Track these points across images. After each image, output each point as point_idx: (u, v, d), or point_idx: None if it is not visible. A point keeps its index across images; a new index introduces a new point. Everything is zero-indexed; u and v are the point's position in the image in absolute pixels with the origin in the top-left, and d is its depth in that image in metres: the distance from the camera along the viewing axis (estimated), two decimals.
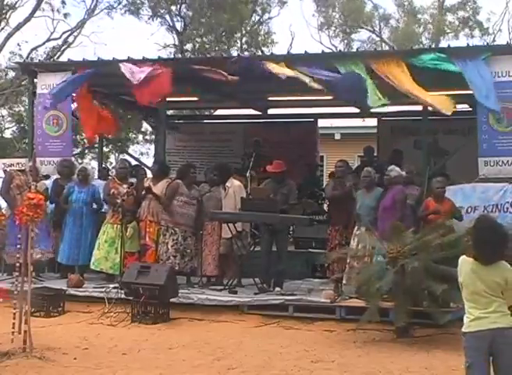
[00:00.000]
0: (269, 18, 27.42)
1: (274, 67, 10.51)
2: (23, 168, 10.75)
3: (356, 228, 9.78)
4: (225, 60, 11.37)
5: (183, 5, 25.40)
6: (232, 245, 10.38)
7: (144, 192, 10.67)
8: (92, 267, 10.73)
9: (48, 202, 10.86)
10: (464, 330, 5.10)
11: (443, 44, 28.49)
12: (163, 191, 10.58)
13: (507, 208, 9.96)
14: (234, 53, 25.10)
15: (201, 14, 24.98)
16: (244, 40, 26.43)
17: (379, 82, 10.18)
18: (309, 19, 32.74)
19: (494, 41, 27.72)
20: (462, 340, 5.14)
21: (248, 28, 26.16)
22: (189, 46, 25.97)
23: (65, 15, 25.14)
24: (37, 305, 9.35)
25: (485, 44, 21.50)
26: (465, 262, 5.14)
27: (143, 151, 26.00)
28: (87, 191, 10.98)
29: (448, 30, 30.33)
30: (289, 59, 11.22)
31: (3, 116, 25.69)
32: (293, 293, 9.82)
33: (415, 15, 30.75)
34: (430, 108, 10.38)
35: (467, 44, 11.10)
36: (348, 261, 9.67)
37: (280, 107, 16.01)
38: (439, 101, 10.00)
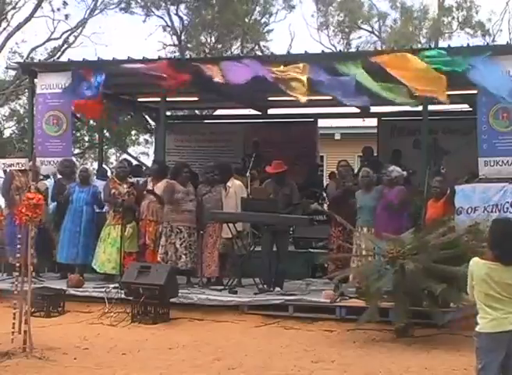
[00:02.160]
0: (270, 17, 27.39)
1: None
2: (23, 168, 10.74)
3: (358, 228, 9.78)
4: (223, 59, 11.37)
5: (181, 5, 25.37)
6: (233, 245, 10.38)
7: (145, 192, 10.69)
8: (96, 269, 10.73)
9: (49, 201, 10.93)
10: (478, 330, 5.06)
11: (442, 44, 28.57)
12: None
13: (507, 208, 9.96)
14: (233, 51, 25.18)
15: (199, 13, 24.98)
16: (242, 37, 26.37)
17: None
18: (309, 20, 32.61)
19: (494, 40, 27.70)
20: (475, 340, 5.11)
21: (247, 28, 26.11)
22: (188, 45, 25.97)
23: (66, 16, 25.17)
24: (37, 305, 9.36)
25: (486, 43, 21.53)
26: (478, 265, 5.08)
27: (144, 151, 25.98)
28: (87, 191, 10.99)
29: (446, 30, 30.32)
30: (289, 59, 11.24)
31: (5, 116, 25.70)
32: (293, 293, 9.82)
33: (412, 15, 30.74)
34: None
35: (468, 44, 11.09)
36: (352, 261, 9.68)
37: (280, 107, 16.01)
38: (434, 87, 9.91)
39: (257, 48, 26.24)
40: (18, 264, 8.01)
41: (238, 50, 25.30)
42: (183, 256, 10.28)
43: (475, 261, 5.10)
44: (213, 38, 26.09)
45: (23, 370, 7.00)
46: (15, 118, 25.18)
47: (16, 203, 10.14)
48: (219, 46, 25.72)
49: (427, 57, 10.17)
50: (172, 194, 10.40)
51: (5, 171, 11.06)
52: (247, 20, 25.78)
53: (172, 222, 10.38)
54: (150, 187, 10.83)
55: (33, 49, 24.86)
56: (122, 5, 25.00)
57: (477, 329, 5.09)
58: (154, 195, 10.60)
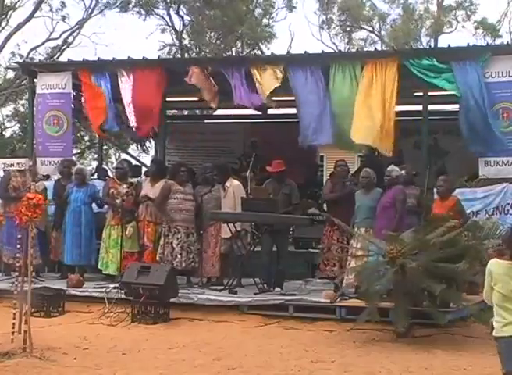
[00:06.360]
0: (272, 18, 27.37)
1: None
2: (22, 168, 10.74)
3: (355, 228, 9.77)
4: (224, 60, 11.42)
5: (182, 5, 25.36)
6: (232, 245, 10.38)
7: (140, 198, 10.72)
8: (101, 268, 10.76)
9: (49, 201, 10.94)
10: (495, 334, 5.07)
11: (442, 41, 28.61)
12: None
13: (508, 210, 9.96)
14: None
15: (199, 12, 24.98)
16: (243, 37, 26.35)
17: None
18: (310, 18, 32.53)
19: (495, 40, 27.71)
20: (496, 345, 5.14)
21: (247, 28, 26.09)
22: (188, 45, 25.98)
23: (63, 17, 25.21)
24: (37, 305, 9.35)
25: (486, 43, 21.53)
26: (497, 264, 5.06)
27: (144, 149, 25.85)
28: (85, 191, 11.01)
29: (446, 29, 30.35)
30: (288, 60, 11.27)
31: (7, 116, 25.71)
32: (293, 293, 9.82)
33: (411, 12, 30.74)
34: None
35: (468, 44, 11.10)
36: (348, 261, 9.68)
37: (280, 107, 15.97)
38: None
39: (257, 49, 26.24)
40: (18, 264, 8.02)
41: (239, 49, 25.32)
42: (179, 256, 10.27)
43: (493, 261, 5.09)
44: (213, 39, 26.05)
45: (23, 370, 6.99)
46: (16, 118, 25.19)
47: (12, 203, 10.17)
48: (221, 46, 25.69)
49: (417, 66, 10.30)
50: (166, 198, 10.37)
51: (4, 171, 11.09)
52: (248, 21, 25.71)
53: (169, 222, 10.37)
54: (148, 187, 10.82)
55: (33, 49, 24.89)
56: (122, 5, 24.97)
57: (493, 333, 5.07)
58: (150, 200, 10.61)
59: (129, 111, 11.50)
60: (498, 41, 26.45)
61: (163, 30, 25.92)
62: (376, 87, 10.44)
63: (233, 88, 11.10)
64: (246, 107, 13.42)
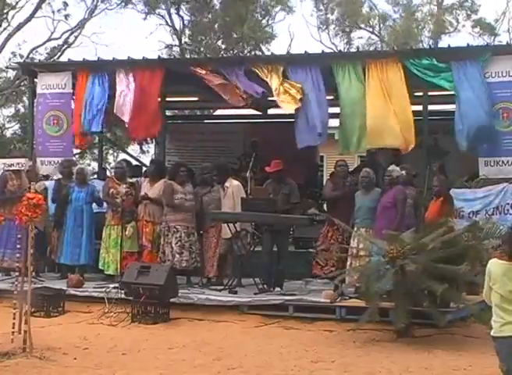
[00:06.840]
0: (272, 19, 27.42)
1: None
2: (22, 168, 10.72)
3: (355, 228, 9.77)
4: (224, 60, 11.41)
5: (182, 4, 25.39)
6: (232, 245, 10.38)
7: (140, 198, 10.72)
8: (102, 268, 10.78)
9: (49, 202, 10.95)
10: (493, 334, 5.07)
11: (443, 42, 28.66)
12: (160, 192, 10.59)
13: (508, 210, 9.96)
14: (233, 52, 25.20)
15: (199, 13, 25.03)
16: (244, 39, 26.38)
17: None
18: (308, 19, 32.54)
19: (494, 40, 27.75)
20: (493, 344, 5.15)
21: (247, 29, 26.12)
22: (188, 45, 26.00)
23: (66, 16, 25.22)
24: (37, 305, 9.35)
25: (485, 43, 21.54)
26: (496, 264, 5.06)
27: (143, 150, 25.89)
28: (86, 191, 11.02)
29: (448, 29, 30.35)
30: (288, 60, 11.27)
31: (8, 116, 25.74)
32: (293, 293, 9.82)
33: (413, 13, 30.77)
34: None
35: (468, 44, 11.11)
36: (349, 261, 9.68)
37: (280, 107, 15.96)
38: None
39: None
40: (16, 265, 8.03)
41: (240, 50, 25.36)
42: (177, 255, 10.26)
43: (493, 261, 5.09)
44: (214, 40, 26.08)
45: (23, 370, 6.99)
46: (17, 118, 25.22)
47: (8, 205, 10.19)
48: (223, 46, 25.73)
49: (417, 66, 10.30)
50: (172, 196, 10.39)
51: (4, 171, 11.08)
52: (248, 21, 25.73)
53: (169, 222, 10.38)
54: (147, 187, 10.82)
55: (33, 49, 24.89)
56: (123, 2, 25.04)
57: (492, 333, 5.07)
58: (149, 200, 10.61)
59: (124, 110, 11.41)
60: (496, 41, 26.57)
61: (173, 34, 25.99)
62: (385, 87, 10.40)
63: (235, 80, 11.06)
64: (244, 107, 13.51)
